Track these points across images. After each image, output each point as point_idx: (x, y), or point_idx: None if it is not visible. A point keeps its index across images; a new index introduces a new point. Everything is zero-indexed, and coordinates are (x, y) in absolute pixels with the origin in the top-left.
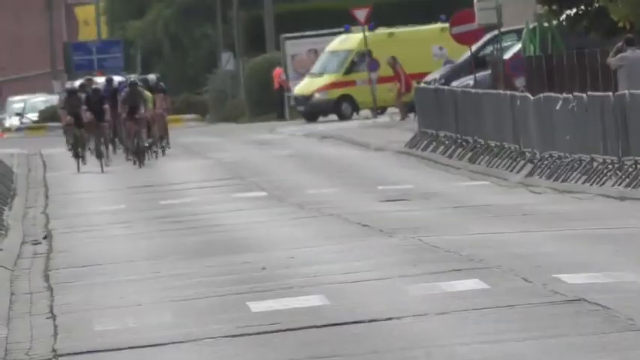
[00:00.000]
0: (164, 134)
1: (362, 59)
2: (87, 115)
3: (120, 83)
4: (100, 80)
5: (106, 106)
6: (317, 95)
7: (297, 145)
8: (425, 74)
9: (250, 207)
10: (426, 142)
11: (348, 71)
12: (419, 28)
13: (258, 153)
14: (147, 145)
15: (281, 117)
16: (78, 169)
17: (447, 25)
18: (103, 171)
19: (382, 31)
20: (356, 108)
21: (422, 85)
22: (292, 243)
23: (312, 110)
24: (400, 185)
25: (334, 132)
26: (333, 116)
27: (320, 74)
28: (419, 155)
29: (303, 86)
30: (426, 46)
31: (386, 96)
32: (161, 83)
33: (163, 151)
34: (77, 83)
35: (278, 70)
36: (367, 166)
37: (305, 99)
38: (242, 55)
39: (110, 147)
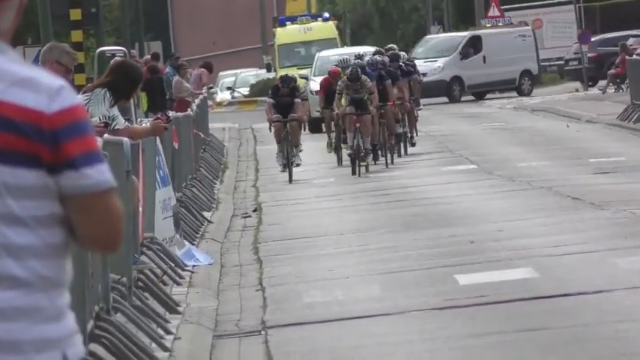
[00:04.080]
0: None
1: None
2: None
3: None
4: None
5: (298, 100)
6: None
7: (507, 118)
8: None
9: (459, 180)
10: (638, 114)
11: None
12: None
13: (467, 126)
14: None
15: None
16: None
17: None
18: (290, 181)
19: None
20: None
21: (634, 57)
22: (501, 216)
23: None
24: (612, 158)
25: (545, 105)
26: (544, 89)
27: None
28: (631, 127)
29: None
30: None
31: None
32: (410, 63)
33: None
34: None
35: None
36: (578, 139)
37: None
38: (451, 29)
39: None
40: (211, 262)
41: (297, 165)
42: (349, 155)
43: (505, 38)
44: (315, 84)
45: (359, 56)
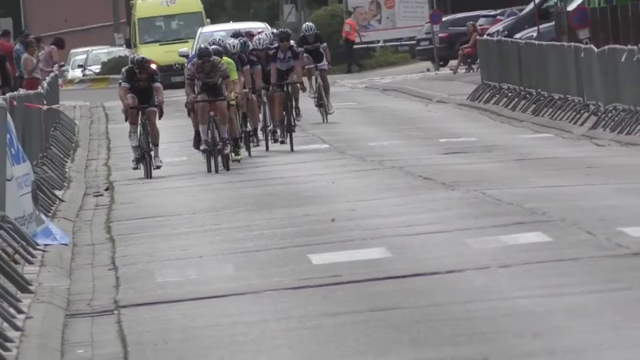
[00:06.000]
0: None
1: None
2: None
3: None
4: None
5: (158, 85)
6: None
7: (359, 98)
8: None
9: (312, 159)
10: (488, 94)
11: None
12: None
13: None
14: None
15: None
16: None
17: None
18: (150, 176)
19: None
20: None
21: (485, 37)
22: (354, 195)
23: None
24: (463, 138)
25: (396, 85)
26: (395, 68)
27: None
28: (481, 108)
29: None
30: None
31: None
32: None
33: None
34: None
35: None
36: (429, 119)
37: None
38: (304, 7)
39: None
40: (67, 244)
41: (158, 167)
42: (204, 152)
43: None
44: None
45: (236, 33)
